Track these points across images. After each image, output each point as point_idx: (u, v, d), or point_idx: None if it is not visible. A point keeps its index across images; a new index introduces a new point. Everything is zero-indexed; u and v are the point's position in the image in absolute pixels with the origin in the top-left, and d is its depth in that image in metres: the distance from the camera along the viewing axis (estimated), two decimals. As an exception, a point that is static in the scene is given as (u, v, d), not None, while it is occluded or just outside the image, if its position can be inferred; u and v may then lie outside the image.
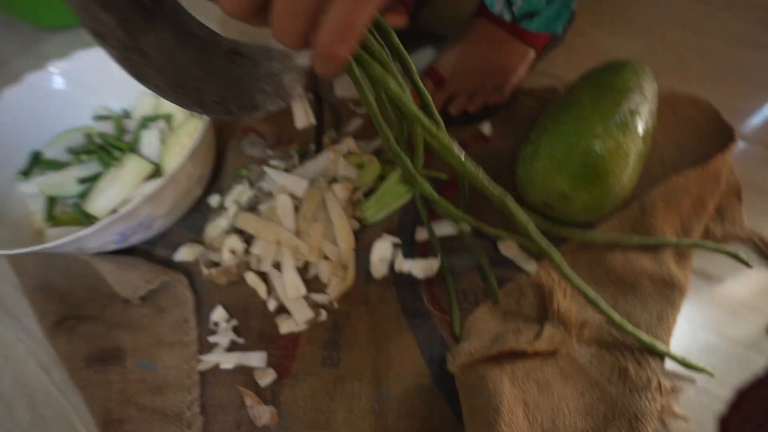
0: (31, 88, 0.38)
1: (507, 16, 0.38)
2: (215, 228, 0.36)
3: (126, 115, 0.41)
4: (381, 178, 0.35)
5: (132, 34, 0.18)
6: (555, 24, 0.39)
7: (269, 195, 0.36)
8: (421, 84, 0.25)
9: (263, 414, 0.28)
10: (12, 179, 0.37)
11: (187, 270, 0.35)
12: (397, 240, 0.33)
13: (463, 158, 0.24)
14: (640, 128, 0.29)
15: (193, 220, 0.39)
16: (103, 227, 0.27)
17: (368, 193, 0.34)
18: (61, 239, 0.27)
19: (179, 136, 0.36)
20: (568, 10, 0.39)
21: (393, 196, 0.34)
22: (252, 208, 0.35)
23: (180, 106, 0.22)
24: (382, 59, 0.22)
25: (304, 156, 0.40)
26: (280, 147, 0.42)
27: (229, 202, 0.38)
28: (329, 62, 0.17)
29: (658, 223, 0.31)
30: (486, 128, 0.40)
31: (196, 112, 0.22)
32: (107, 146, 0.36)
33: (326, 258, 0.32)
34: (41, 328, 0.34)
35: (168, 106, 0.39)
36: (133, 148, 0.36)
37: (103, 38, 0.18)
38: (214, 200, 0.39)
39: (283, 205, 0.32)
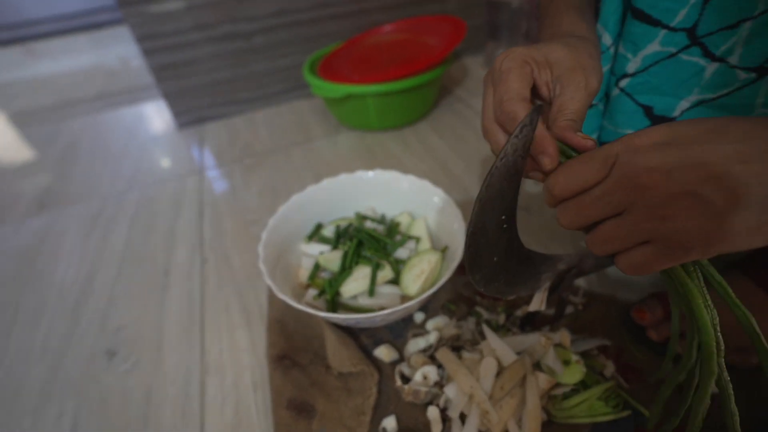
0: (343, 180, 0.53)
1: None
2: (415, 345, 0.42)
3: (382, 219, 0.53)
4: (582, 383, 0.36)
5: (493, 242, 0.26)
6: None
7: (471, 341, 0.40)
8: (743, 308, 0.23)
9: None
10: (301, 239, 0.51)
11: (380, 366, 0.42)
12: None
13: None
14: None
15: (396, 323, 0.46)
16: (367, 317, 0.36)
17: (567, 393, 0.35)
18: (340, 315, 0.36)
19: (421, 260, 0.45)
20: None
21: (589, 410, 0.34)
22: (454, 347, 0.40)
23: (472, 281, 0.29)
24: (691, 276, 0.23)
25: (509, 316, 0.44)
26: (488, 298, 0.47)
27: (432, 326, 0.44)
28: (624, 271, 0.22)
29: None
30: (712, 383, 0.37)
31: (479, 288, 0.28)
32: (370, 242, 0.47)
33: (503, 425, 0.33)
34: (267, 354, 0.44)
35: (418, 231, 0.49)
36: (389, 256, 0.46)
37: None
38: (418, 317, 0.46)
39: (488, 366, 0.35)
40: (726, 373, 0.23)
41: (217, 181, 0.76)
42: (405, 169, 0.63)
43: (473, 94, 0.92)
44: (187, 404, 0.42)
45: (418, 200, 0.52)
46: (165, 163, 0.84)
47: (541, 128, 0.23)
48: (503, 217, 0.25)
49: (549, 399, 0.35)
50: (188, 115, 0.94)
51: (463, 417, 0.35)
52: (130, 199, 0.75)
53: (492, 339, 0.37)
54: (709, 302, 0.23)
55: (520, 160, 0.22)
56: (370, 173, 0.54)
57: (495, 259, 0.27)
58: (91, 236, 0.67)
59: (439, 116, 0.86)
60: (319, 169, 0.75)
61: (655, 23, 0.31)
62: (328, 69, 0.85)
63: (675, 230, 0.19)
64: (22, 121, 1.13)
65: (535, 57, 0.26)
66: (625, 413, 0.34)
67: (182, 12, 0.81)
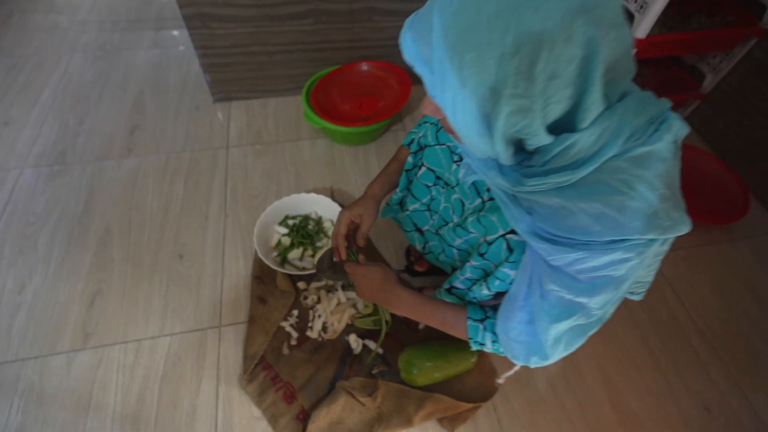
0: (302, 196, 1.03)
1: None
2: (315, 284, 0.97)
3: (318, 220, 1.05)
4: (375, 312, 0.92)
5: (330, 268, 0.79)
6: None
7: (334, 288, 0.96)
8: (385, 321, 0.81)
9: (285, 350, 0.88)
10: (276, 222, 1.03)
11: (297, 290, 0.97)
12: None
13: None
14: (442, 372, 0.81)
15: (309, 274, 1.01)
16: (297, 273, 0.91)
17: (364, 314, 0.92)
18: (284, 270, 0.91)
19: (327, 247, 0.98)
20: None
21: (374, 323, 0.91)
22: (328, 289, 0.95)
23: (318, 273, 0.82)
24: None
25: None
26: (355, 270, 1.01)
27: (324, 278, 0.99)
28: None
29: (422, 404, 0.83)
30: (421, 325, 0.94)
31: (323, 279, 0.82)
32: (305, 235, 0.99)
33: (333, 325, 0.90)
34: (252, 274, 0.99)
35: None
36: (312, 243, 0.99)
37: (322, 271, 0.79)
38: (321, 272, 1.01)
39: (333, 300, 0.91)
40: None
41: (237, 158, 1.24)
42: (351, 181, 1.13)
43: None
44: (215, 287, 0.98)
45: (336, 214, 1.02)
46: (205, 133, 1.30)
47: (343, 240, 0.75)
48: (328, 264, 0.77)
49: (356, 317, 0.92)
50: (222, 94, 1.37)
51: (320, 317, 0.92)
52: (184, 158, 1.23)
53: (340, 292, 0.92)
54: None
55: (329, 256, 0.74)
56: (315, 195, 1.03)
57: (329, 272, 0.80)
58: (163, 181, 1.17)
59: (385, 142, 1.30)
60: (299, 166, 1.22)
61: (417, 200, 0.79)
62: (321, 90, 1.26)
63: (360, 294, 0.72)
64: (95, 50, 1.52)
65: (352, 211, 0.76)
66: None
67: (228, 35, 1.19)
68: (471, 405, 0.82)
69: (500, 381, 0.86)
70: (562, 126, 0.40)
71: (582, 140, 0.40)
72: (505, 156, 0.43)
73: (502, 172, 0.48)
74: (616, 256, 0.44)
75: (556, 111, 0.38)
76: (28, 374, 0.85)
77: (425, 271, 0.98)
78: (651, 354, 0.94)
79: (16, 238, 1.03)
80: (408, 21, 0.40)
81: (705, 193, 1.20)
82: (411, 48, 0.40)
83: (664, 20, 1.23)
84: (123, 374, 0.86)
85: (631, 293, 0.65)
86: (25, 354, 0.87)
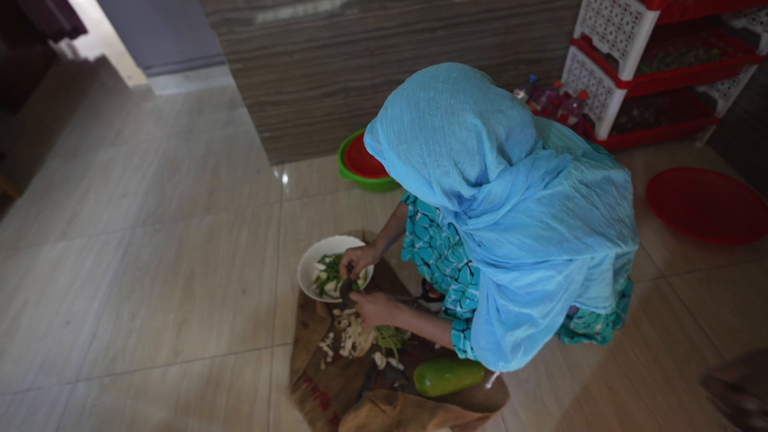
0: (336, 238, 1.26)
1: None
2: (347, 311, 1.16)
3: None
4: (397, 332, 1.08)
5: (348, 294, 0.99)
6: None
7: (364, 315, 1.14)
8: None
9: (322, 366, 1.07)
10: (316, 260, 1.26)
11: (333, 316, 1.17)
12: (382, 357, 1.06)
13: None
14: (452, 386, 0.94)
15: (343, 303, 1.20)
16: (332, 301, 1.12)
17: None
18: (321, 300, 1.12)
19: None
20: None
21: (395, 343, 1.07)
22: (357, 314, 1.14)
23: (342, 298, 1.01)
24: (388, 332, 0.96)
25: (383, 308, 1.16)
26: (381, 299, 1.19)
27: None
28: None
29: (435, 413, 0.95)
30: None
31: (345, 301, 1.01)
32: (337, 267, 1.20)
33: (360, 345, 1.08)
34: (297, 303, 1.21)
35: (361, 267, 1.22)
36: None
37: (345, 297, 0.98)
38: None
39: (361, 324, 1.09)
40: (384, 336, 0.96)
41: (288, 210, 1.51)
42: (380, 224, 1.34)
43: (437, 171, 1.54)
44: (269, 315, 1.22)
45: (365, 253, 1.23)
46: (264, 191, 1.61)
47: (344, 268, 0.96)
48: (347, 289, 0.97)
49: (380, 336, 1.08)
50: (276, 158, 1.69)
51: (350, 338, 1.10)
52: (247, 212, 1.53)
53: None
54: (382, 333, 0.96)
55: (347, 285, 0.94)
56: (347, 237, 1.25)
57: (349, 298, 1.00)
58: (231, 232, 1.47)
59: (409, 187, 1.51)
60: (336, 214, 1.46)
61: (420, 239, 0.97)
62: (354, 148, 1.51)
63: (366, 320, 0.90)
64: (186, 133, 1.95)
65: (354, 253, 0.97)
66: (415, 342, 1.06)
67: (279, 114, 1.52)
68: (479, 414, 0.93)
69: (488, 386, 0.96)
70: (484, 179, 0.57)
71: (495, 188, 0.57)
72: (452, 205, 0.60)
73: (455, 216, 0.65)
74: (542, 273, 0.59)
75: (474, 170, 0.55)
76: (136, 382, 1.12)
77: (438, 297, 1.13)
78: (663, 374, 0.98)
79: (130, 280, 1.38)
80: (368, 127, 0.61)
81: (723, 215, 1.22)
82: (371, 144, 0.61)
83: (662, 57, 1.33)
84: (201, 384, 1.10)
85: (595, 306, 0.76)
86: (135, 367, 1.16)
